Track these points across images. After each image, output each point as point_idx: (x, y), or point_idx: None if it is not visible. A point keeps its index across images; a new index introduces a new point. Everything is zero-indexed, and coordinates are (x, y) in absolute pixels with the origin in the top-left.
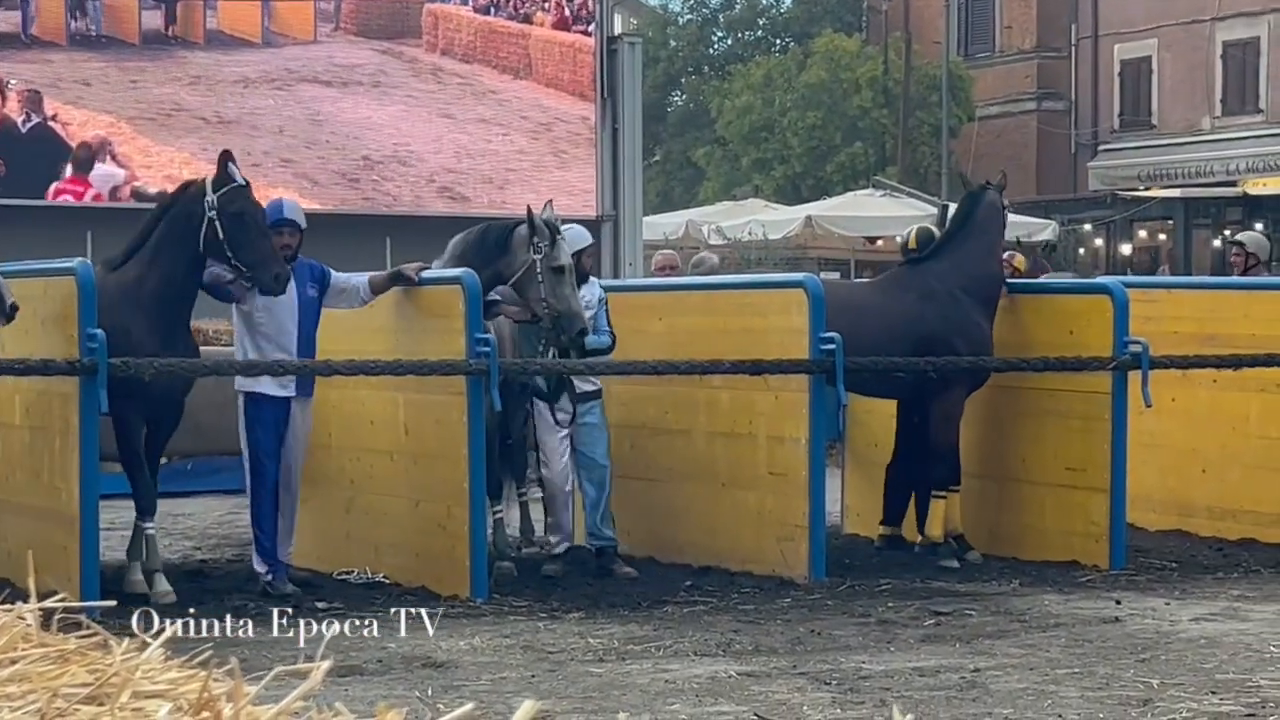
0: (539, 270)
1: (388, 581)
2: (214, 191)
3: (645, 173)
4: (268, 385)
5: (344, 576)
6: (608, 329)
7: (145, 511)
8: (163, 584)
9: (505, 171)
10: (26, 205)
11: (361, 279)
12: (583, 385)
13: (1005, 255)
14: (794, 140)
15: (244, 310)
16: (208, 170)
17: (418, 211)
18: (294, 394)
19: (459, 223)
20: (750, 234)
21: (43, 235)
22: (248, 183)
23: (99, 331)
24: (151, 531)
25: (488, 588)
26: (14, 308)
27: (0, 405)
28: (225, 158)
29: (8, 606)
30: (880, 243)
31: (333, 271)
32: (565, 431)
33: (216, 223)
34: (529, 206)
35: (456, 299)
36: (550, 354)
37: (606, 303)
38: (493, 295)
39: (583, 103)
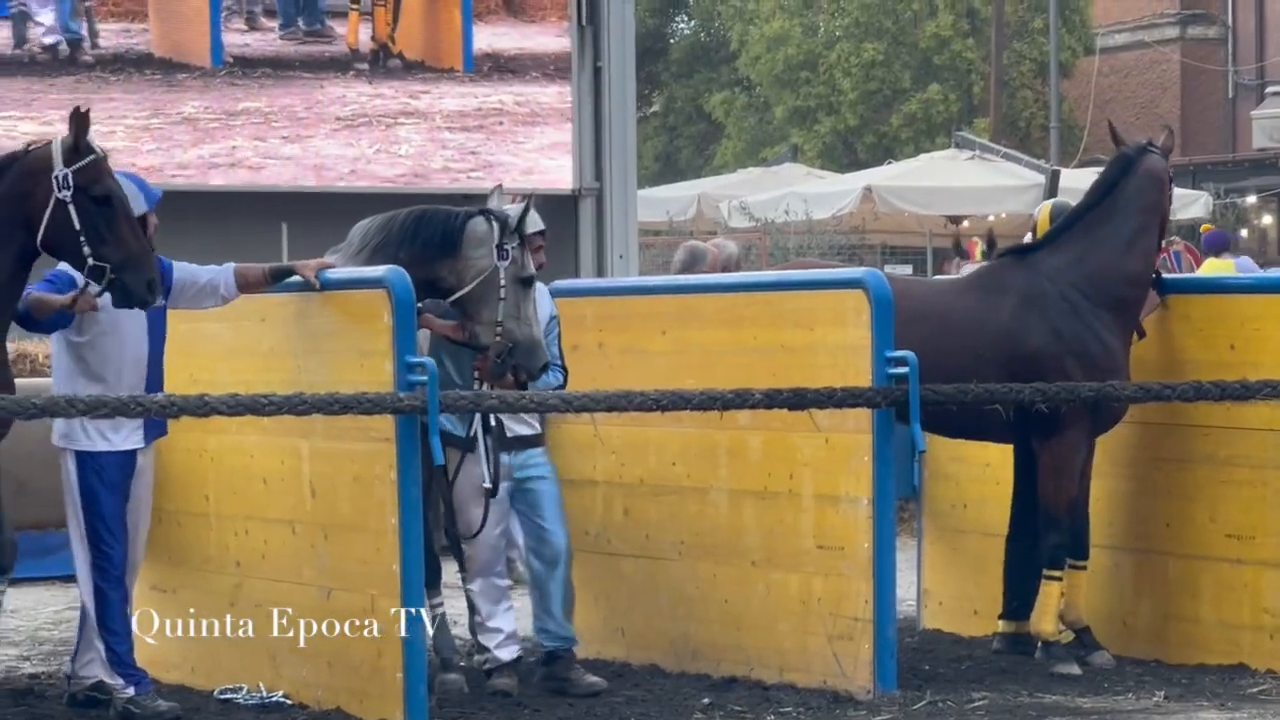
0: (502, 282)
1: (289, 703)
2: (66, 164)
3: (640, 129)
4: (110, 437)
5: (229, 696)
6: (560, 363)
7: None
8: None
9: (435, 131)
10: None
11: (220, 271)
12: (515, 427)
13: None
14: (845, 83)
15: (75, 340)
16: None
17: (317, 188)
18: (142, 444)
19: (377, 204)
20: (788, 213)
21: None
22: (105, 154)
23: None
24: None
25: (427, 710)
26: None
27: None
28: (80, 121)
29: None
30: (967, 223)
31: (176, 265)
32: (501, 493)
33: (69, 207)
34: (497, 190)
35: (380, 308)
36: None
37: (558, 323)
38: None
39: (552, 32)
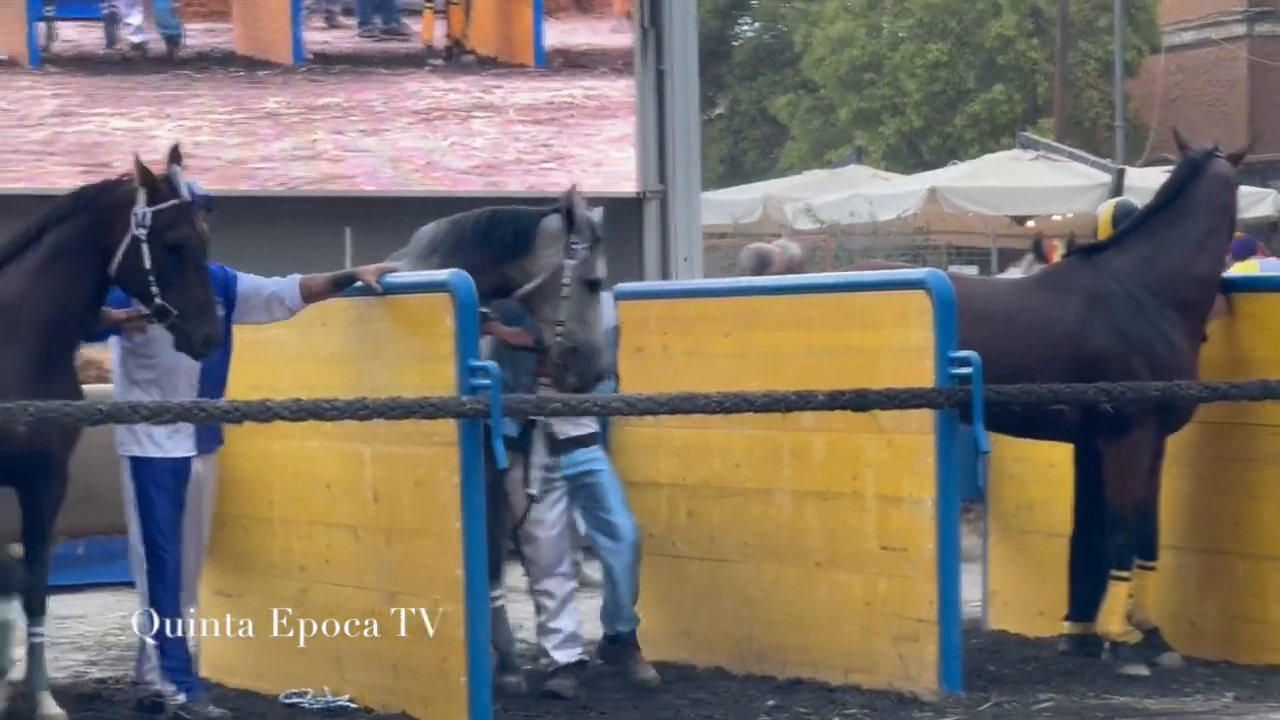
0: (566, 280)
1: (354, 706)
2: (149, 204)
3: (704, 131)
4: (161, 443)
5: (294, 700)
6: (614, 372)
7: (33, 612)
8: (50, 707)
9: (507, 125)
10: None
11: (285, 284)
12: (566, 429)
13: None
14: (910, 84)
15: (127, 346)
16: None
17: (387, 192)
18: (194, 451)
19: (442, 207)
20: (853, 214)
21: None
22: (194, 200)
23: None
24: (40, 640)
25: (492, 713)
26: None
27: None
28: (173, 157)
29: None
30: (1032, 223)
31: (239, 276)
32: (558, 493)
33: (143, 247)
34: (571, 191)
35: (443, 311)
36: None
37: (618, 334)
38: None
39: (616, 35)
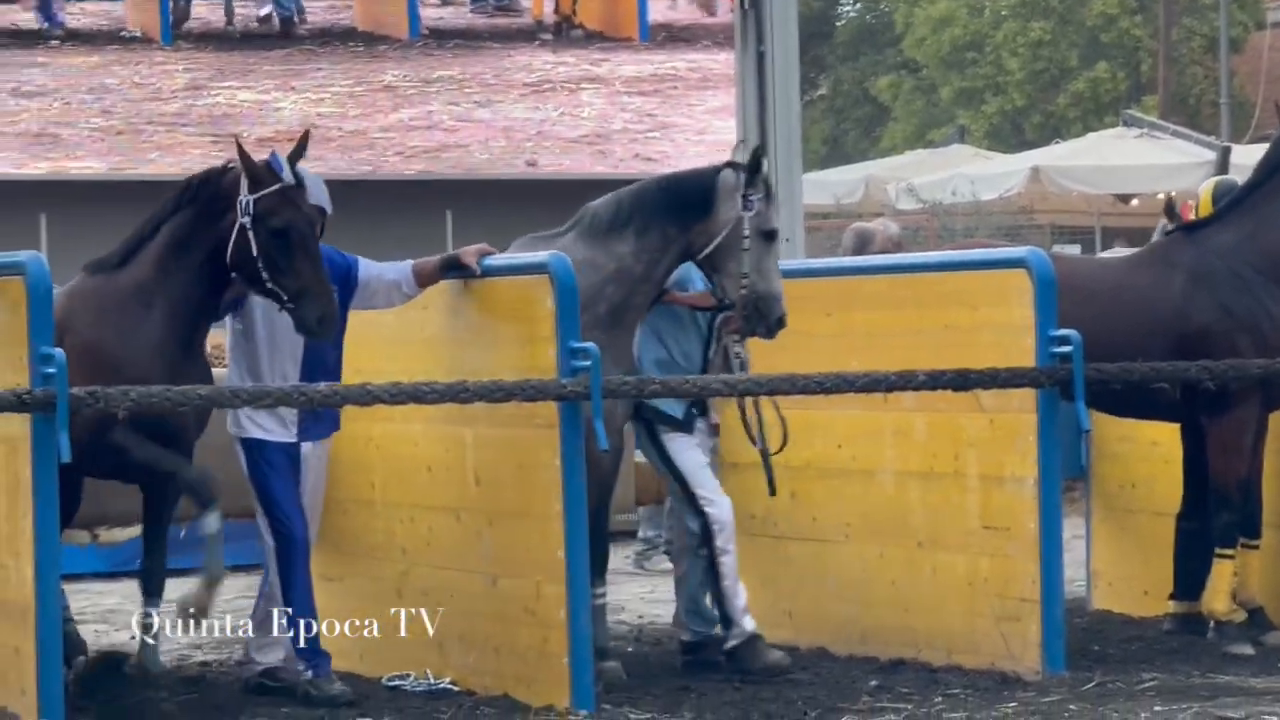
0: (746, 232)
1: (457, 689)
2: (251, 192)
3: (806, 112)
4: (266, 427)
5: (397, 683)
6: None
7: (151, 593)
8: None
9: (614, 96)
10: None
11: (400, 269)
12: (671, 410)
13: None
14: (1012, 63)
15: (237, 329)
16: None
17: (488, 175)
18: (297, 438)
19: (541, 188)
20: (955, 194)
21: None
22: (300, 181)
23: (56, 352)
24: (153, 621)
25: (594, 695)
26: None
27: None
28: (301, 145)
29: None
30: (1136, 201)
31: (361, 261)
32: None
33: (249, 233)
34: (740, 146)
35: (543, 293)
36: (723, 353)
37: None
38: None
39: (721, 6)
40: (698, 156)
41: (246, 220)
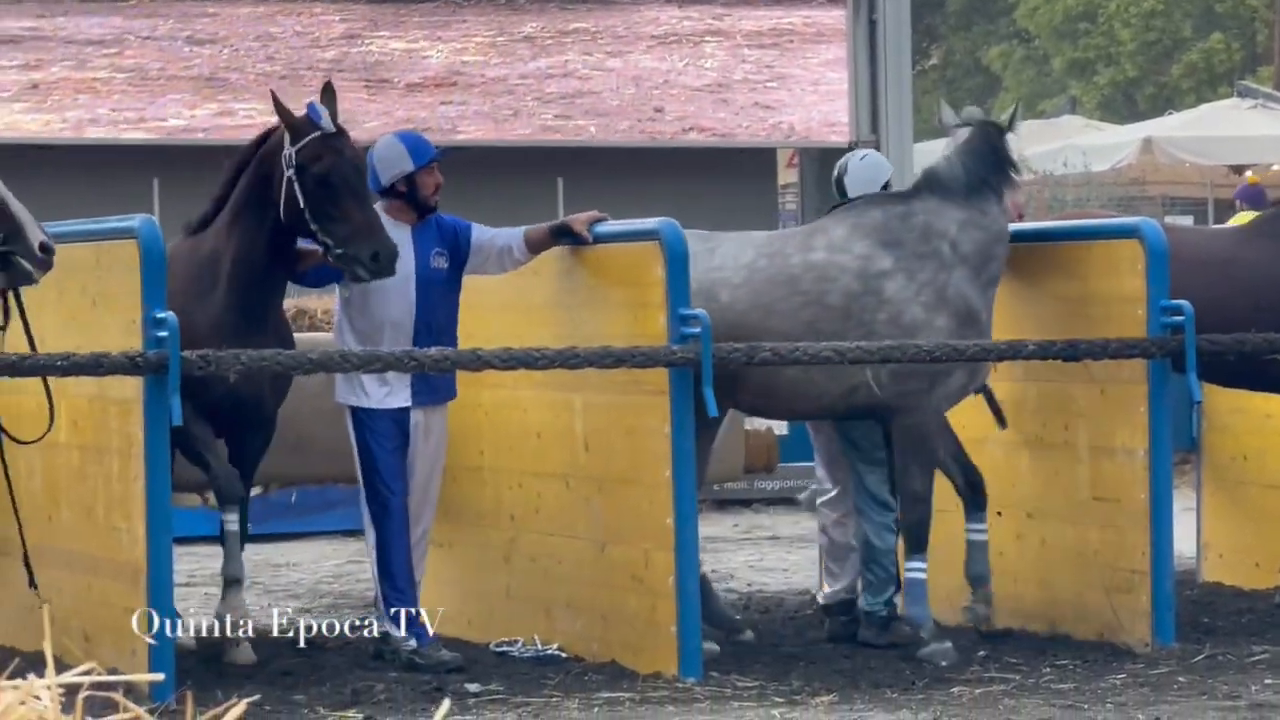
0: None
1: (564, 655)
2: (292, 144)
3: (917, 83)
4: (374, 394)
5: (504, 649)
6: None
7: (228, 500)
8: (244, 649)
9: (735, 48)
10: (68, 142)
11: (512, 234)
12: None
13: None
14: (1125, 33)
15: (345, 297)
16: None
17: (601, 143)
18: (409, 403)
19: (656, 158)
20: (1066, 165)
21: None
22: (340, 129)
23: (169, 315)
24: (234, 527)
25: (701, 663)
26: (47, 249)
27: (39, 417)
28: (329, 96)
29: (16, 682)
30: (1250, 173)
31: (474, 227)
32: None
33: (295, 184)
34: (1017, 107)
35: (652, 260)
36: None
37: None
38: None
39: None
40: (812, 105)
41: (291, 172)
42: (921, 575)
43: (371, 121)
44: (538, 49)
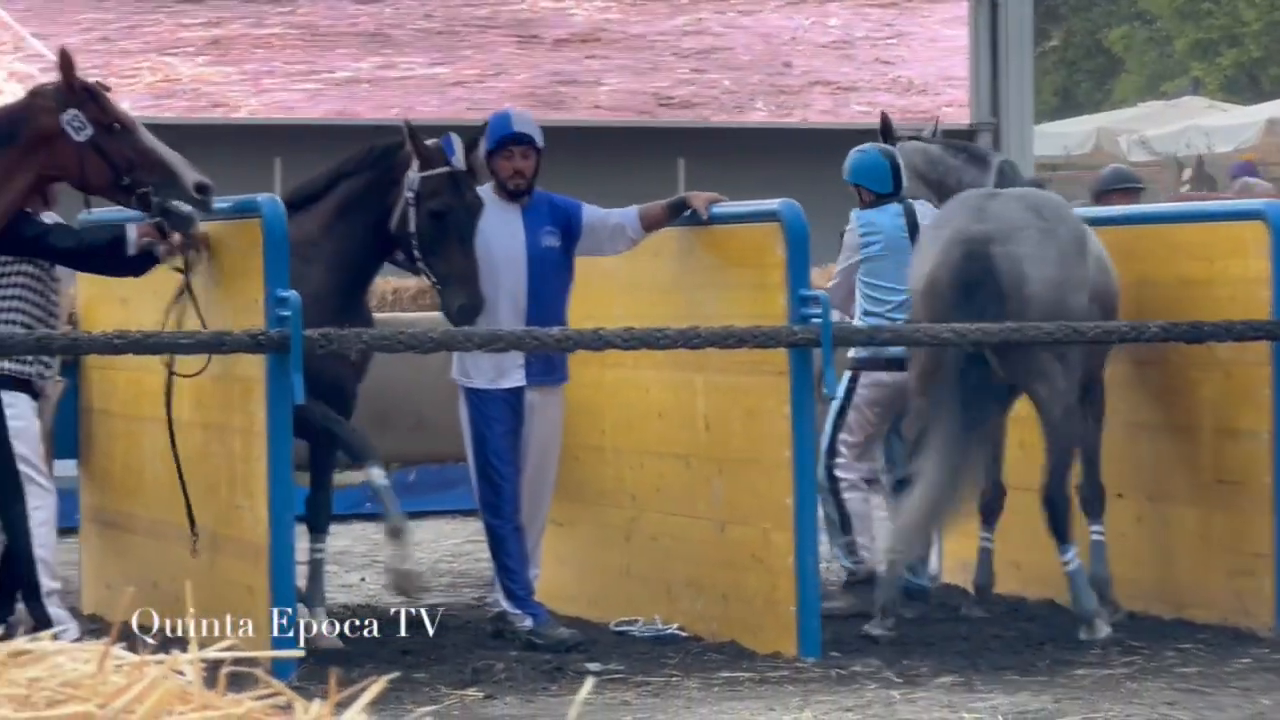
0: None
1: (684, 634)
2: (420, 170)
3: (1038, 64)
4: (487, 374)
5: (624, 628)
6: None
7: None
8: (324, 630)
9: (858, 8)
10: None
11: (626, 213)
12: None
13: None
14: (1249, 13)
15: None
16: None
17: (721, 123)
18: (522, 383)
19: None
20: (1189, 146)
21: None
22: (469, 170)
23: (292, 294)
24: (320, 557)
25: (820, 643)
26: (204, 188)
27: (161, 396)
28: (468, 143)
29: (161, 657)
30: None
31: (585, 207)
32: None
33: (411, 210)
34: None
35: (773, 241)
36: None
37: None
38: None
39: None
40: (929, 60)
41: (410, 196)
42: (1077, 563)
43: (521, 74)
44: (675, 8)
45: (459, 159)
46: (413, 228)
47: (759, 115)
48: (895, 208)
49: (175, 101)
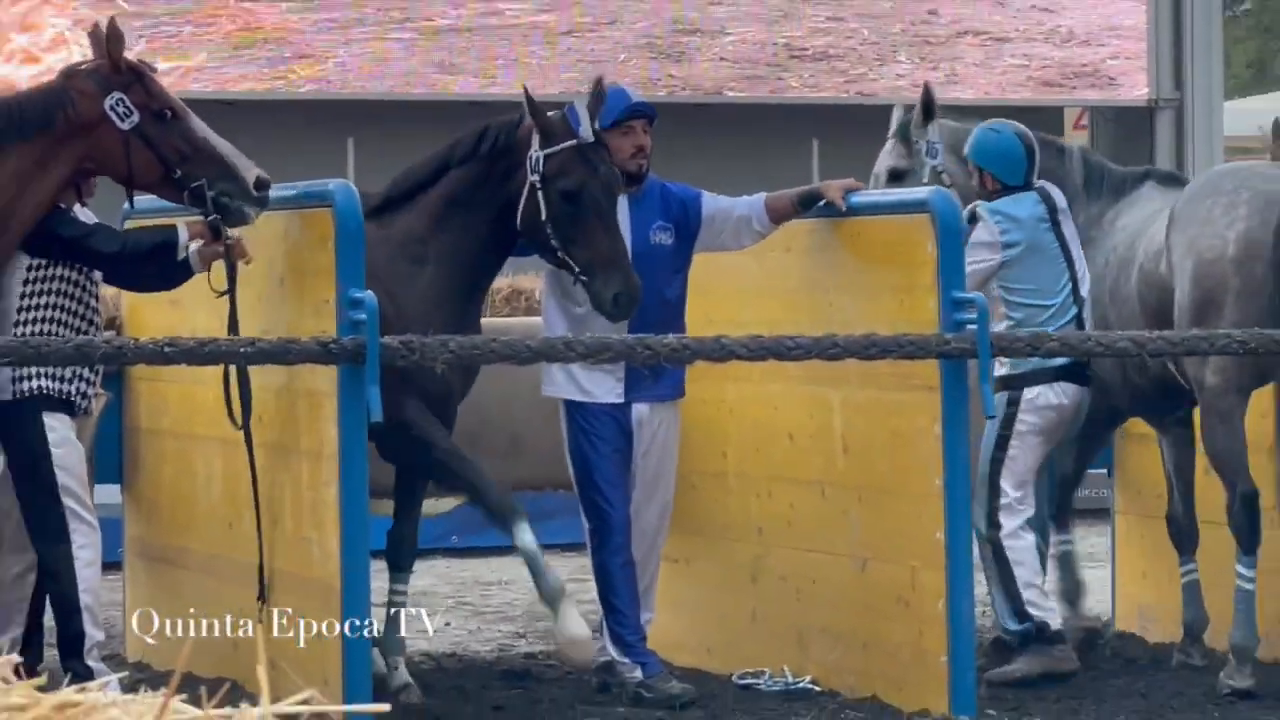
0: None
1: (818, 689)
2: (542, 147)
3: (1228, 30)
4: (588, 388)
5: (748, 681)
6: None
7: (399, 568)
8: (402, 673)
9: (977, 10)
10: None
11: (751, 203)
12: None
13: None
14: None
15: (554, 273)
16: None
17: (849, 99)
18: (626, 398)
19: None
20: None
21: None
22: (599, 139)
23: (368, 295)
24: (402, 599)
25: (976, 701)
26: (263, 183)
27: (218, 413)
28: (596, 89)
29: (226, 711)
30: None
31: (704, 195)
32: None
33: (539, 194)
34: None
35: (923, 235)
36: None
37: None
38: None
39: None
40: (1093, 7)
41: (536, 179)
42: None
43: (640, 22)
44: None
45: (585, 129)
46: (544, 215)
47: (901, 68)
48: (1031, 195)
49: (256, 52)
